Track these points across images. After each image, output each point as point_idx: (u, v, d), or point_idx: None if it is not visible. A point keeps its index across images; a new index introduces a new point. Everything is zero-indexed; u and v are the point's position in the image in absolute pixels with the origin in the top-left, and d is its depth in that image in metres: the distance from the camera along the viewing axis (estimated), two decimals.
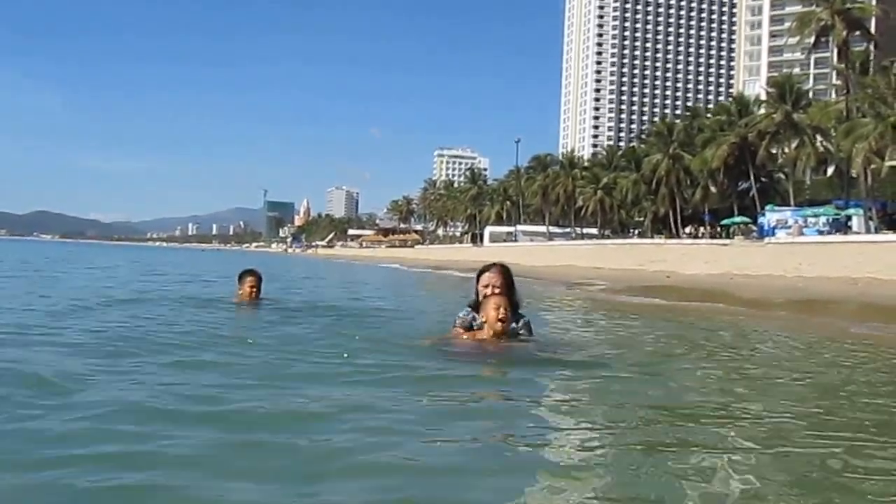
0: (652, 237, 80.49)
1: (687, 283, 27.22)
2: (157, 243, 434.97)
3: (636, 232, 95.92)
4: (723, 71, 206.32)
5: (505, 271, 6.36)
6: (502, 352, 5.87)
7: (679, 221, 78.97)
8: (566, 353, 6.36)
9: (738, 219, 70.09)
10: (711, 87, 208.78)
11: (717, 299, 20.52)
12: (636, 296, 22.47)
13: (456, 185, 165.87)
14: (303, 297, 13.16)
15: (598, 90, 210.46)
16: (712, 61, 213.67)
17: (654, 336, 9.71)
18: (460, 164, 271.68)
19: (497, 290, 6.18)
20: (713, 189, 75.38)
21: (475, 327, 6.18)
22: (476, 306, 6.28)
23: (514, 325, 6.20)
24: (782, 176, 71.99)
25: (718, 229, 74.91)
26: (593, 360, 6.26)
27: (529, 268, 45.68)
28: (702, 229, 79.14)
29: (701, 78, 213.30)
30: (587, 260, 46.32)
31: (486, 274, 6.34)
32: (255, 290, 10.06)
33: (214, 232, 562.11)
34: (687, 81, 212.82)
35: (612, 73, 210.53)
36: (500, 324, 5.84)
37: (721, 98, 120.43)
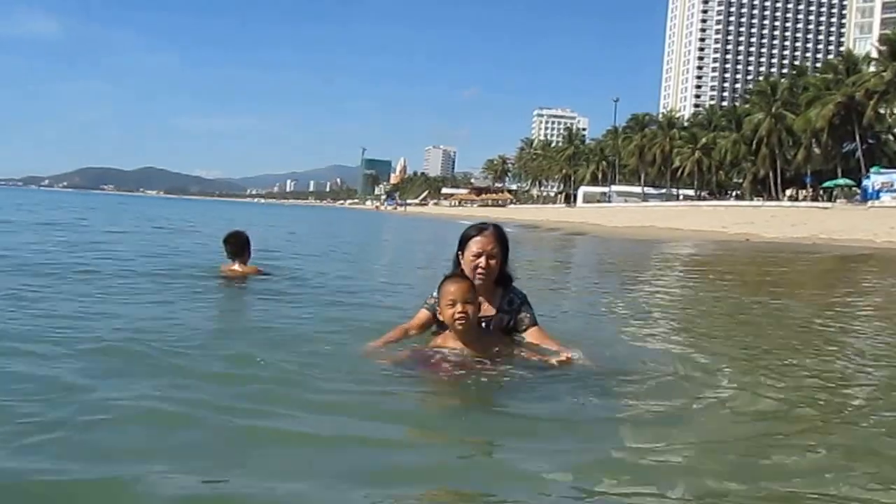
0: (751, 199, 78.41)
1: (757, 247, 26.99)
2: (256, 199, 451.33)
3: (734, 194, 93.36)
4: (833, 28, 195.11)
5: (500, 234, 4.63)
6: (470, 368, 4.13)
7: (779, 183, 76.52)
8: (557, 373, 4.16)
9: (840, 181, 67.40)
10: (820, 46, 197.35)
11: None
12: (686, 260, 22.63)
13: (553, 145, 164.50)
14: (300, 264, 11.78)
15: (702, 48, 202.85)
16: (822, 18, 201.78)
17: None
18: (559, 123, 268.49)
19: (492, 261, 4.49)
20: (816, 150, 72.61)
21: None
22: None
23: (508, 306, 4.60)
24: (890, 137, 68.77)
25: (820, 192, 72.32)
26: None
27: (612, 228, 45.83)
28: (802, 192, 76.47)
29: (810, 36, 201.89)
30: (672, 221, 45.91)
31: (477, 239, 4.55)
32: (236, 262, 8.61)
33: (311, 189, 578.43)
34: (795, 39, 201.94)
35: (717, 31, 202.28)
36: (459, 325, 4.19)
37: (830, 57, 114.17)
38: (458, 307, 4.16)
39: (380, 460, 2.87)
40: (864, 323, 7.67)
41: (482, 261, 4.48)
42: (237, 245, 8.61)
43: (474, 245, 4.52)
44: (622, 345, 5.44)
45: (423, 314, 4.63)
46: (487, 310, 4.52)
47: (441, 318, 4.31)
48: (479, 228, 4.61)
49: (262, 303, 7.06)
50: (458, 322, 4.17)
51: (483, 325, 4.48)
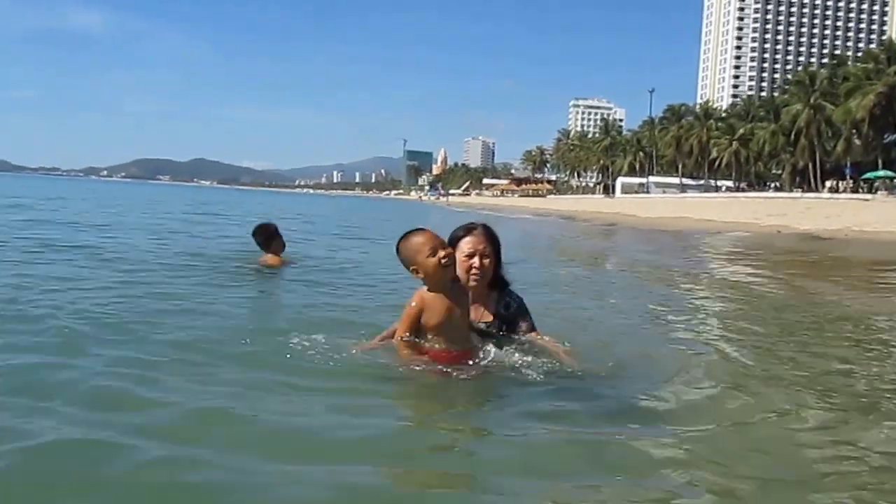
0: (791, 191, 77.91)
1: (786, 239, 27.49)
2: (305, 190, 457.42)
3: (774, 185, 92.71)
4: (875, 17, 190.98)
5: (490, 234, 4.49)
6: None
7: (819, 175, 75.92)
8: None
9: (881, 172, 66.84)
10: (862, 35, 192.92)
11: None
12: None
13: (590, 135, 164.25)
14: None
15: (739, 38, 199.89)
16: (864, 6, 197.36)
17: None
18: (595, 114, 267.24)
19: (486, 261, 4.34)
20: (857, 141, 71.84)
21: None
22: None
23: (504, 311, 4.43)
24: None
25: (861, 183, 71.70)
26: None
27: (645, 219, 46.41)
28: (843, 183, 75.80)
29: (851, 25, 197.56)
30: (707, 212, 46.34)
31: (467, 239, 4.39)
32: (268, 254, 8.97)
33: (357, 180, 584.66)
34: (836, 28, 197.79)
35: (755, 21, 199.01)
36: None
37: (871, 46, 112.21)
38: (441, 252, 3.90)
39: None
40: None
41: (475, 261, 4.32)
42: (265, 237, 8.92)
43: (465, 245, 4.35)
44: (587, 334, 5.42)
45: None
46: (484, 315, 4.40)
47: (420, 276, 3.96)
48: (468, 228, 4.45)
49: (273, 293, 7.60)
50: (445, 266, 3.91)
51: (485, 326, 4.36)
